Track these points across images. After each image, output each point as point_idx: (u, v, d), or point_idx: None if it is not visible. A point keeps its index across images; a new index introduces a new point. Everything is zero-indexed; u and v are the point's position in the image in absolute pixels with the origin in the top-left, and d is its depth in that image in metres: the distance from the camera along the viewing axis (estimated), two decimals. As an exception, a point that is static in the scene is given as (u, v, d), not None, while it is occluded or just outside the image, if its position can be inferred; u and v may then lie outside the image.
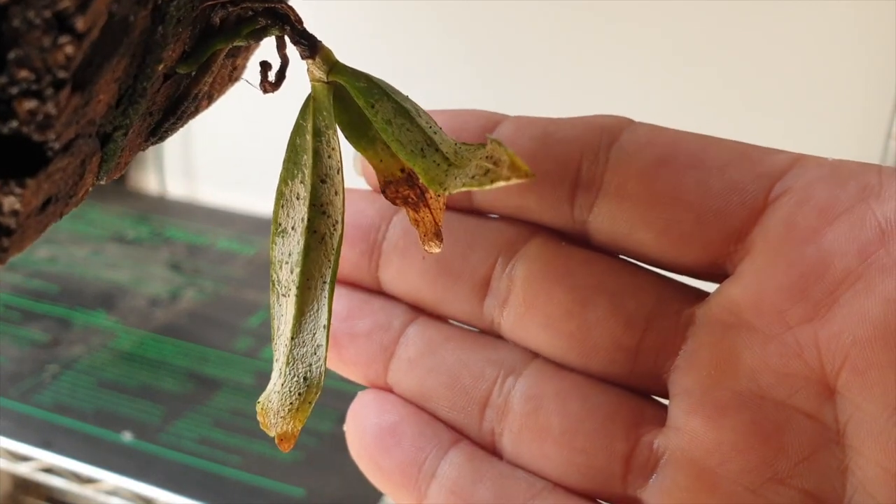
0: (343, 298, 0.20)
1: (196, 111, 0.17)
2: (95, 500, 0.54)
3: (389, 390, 0.20)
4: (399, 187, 0.17)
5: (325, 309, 0.16)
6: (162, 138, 0.17)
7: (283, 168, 0.17)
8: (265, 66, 0.17)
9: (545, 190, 0.19)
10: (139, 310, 0.69)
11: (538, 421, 0.18)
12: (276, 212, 0.17)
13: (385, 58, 0.76)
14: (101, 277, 0.74)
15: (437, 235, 0.17)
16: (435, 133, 0.16)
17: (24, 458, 0.55)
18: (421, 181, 0.16)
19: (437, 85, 0.75)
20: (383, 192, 0.17)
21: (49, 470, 0.55)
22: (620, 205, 0.18)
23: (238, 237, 0.82)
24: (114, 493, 0.53)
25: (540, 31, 0.71)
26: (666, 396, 0.18)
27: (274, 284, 0.17)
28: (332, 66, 0.16)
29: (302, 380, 0.16)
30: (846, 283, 0.16)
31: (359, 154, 0.18)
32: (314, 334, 0.16)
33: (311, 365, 0.16)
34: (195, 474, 0.52)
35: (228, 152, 0.86)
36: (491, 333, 0.20)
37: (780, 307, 0.17)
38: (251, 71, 0.18)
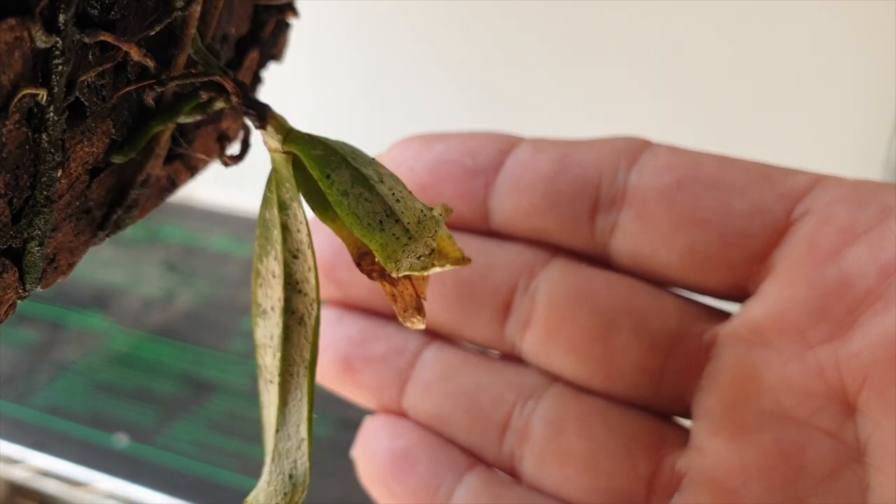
0: (357, 323, 0.20)
1: (162, 194, 0.16)
2: (90, 504, 0.54)
3: (403, 415, 0.20)
4: (375, 259, 0.16)
5: (307, 398, 0.16)
6: (119, 228, 0.15)
7: (257, 244, 0.16)
8: (223, 140, 0.16)
9: (564, 212, 0.18)
10: (134, 311, 0.69)
11: (560, 444, 0.18)
12: (254, 291, 0.16)
13: (381, 75, 0.76)
14: (95, 278, 0.73)
15: (419, 310, 0.16)
16: (398, 200, 0.15)
17: (18, 462, 0.54)
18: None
19: (440, 103, 0.75)
20: (358, 264, 0.16)
21: (43, 473, 0.54)
22: (642, 227, 0.18)
23: (234, 237, 0.82)
24: (109, 496, 0.53)
25: (546, 47, 0.71)
26: (688, 417, 0.18)
27: (261, 370, 0.16)
28: (286, 134, 0.15)
29: (287, 477, 0.16)
30: (866, 303, 0.16)
31: None
32: (298, 426, 0.16)
33: (295, 461, 0.16)
34: (191, 478, 0.52)
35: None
36: (511, 356, 0.20)
37: (801, 327, 0.17)
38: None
